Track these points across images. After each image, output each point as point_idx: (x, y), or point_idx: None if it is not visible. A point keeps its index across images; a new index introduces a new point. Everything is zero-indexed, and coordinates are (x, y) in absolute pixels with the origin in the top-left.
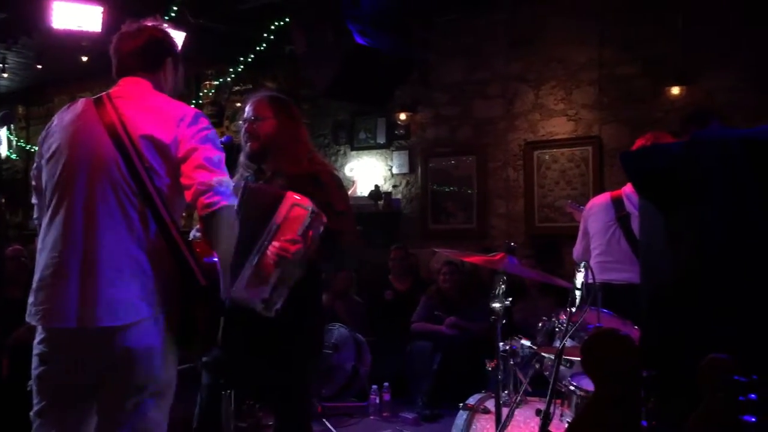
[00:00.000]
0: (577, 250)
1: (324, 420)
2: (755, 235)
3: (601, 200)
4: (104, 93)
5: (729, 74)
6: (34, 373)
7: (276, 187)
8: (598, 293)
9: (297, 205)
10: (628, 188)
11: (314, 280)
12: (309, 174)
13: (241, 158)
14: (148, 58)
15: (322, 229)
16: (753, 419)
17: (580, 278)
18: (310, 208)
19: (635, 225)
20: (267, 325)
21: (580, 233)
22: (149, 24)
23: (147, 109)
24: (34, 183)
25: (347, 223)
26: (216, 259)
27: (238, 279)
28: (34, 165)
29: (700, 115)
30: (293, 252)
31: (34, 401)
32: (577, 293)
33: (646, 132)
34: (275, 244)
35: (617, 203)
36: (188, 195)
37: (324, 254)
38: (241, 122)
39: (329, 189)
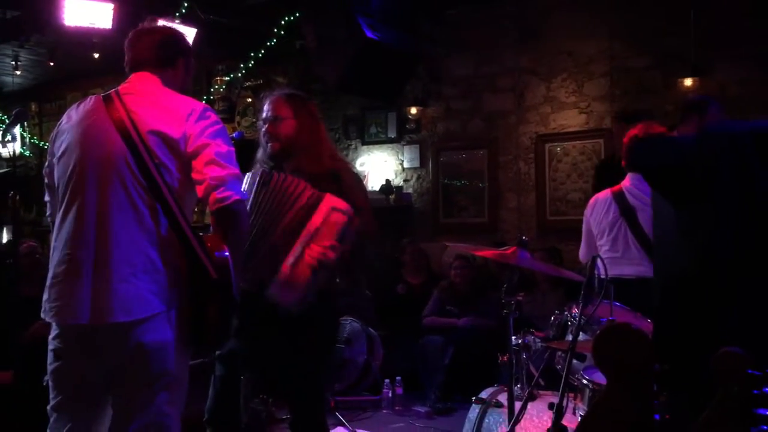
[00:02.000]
0: (582, 251)
1: (337, 413)
2: (766, 227)
3: (601, 197)
4: (113, 90)
5: (741, 66)
6: (49, 368)
7: (301, 180)
8: (610, 286)
9: (336, 210)
10: (626, 182)
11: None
12: (329, 172)
13: (259, 154)
14: (162, 54)
15: (355, 234)
16: (767, 412)
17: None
18: (348, 213)
19: (642, 218)
20: (282, 318)
21: (583, 234)
22: (166, 23)
23: (155, 105)
24: (46, 181)
25: (367, 218)
26: (227, 254)
27: (274, 280)
28: (46, 163)
29: (698, 102)
30: (333, 258)
31: (51, 396)
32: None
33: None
34: (315, 248)
35: (619, 198)
36: (200, 190)
37: (356, 256)
38: (260, 122)
39: (349, 186)
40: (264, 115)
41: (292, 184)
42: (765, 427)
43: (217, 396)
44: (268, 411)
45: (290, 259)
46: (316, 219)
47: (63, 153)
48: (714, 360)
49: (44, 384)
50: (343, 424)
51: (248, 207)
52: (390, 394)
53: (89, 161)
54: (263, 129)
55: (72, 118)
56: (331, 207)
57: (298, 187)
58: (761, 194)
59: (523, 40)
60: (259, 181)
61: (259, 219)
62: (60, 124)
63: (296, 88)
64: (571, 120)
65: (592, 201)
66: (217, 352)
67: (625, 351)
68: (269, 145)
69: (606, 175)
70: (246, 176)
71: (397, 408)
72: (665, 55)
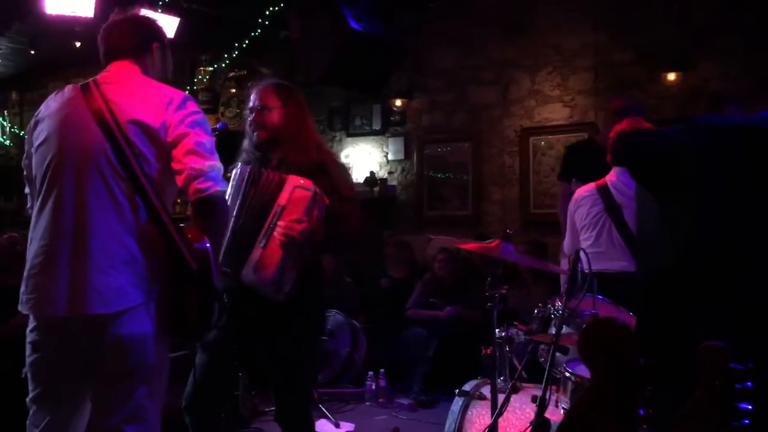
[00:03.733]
0: (566, 244)
1: (320, 406)
2: (751, 222)
3: (586, 192)
4: (91, 79)
5: (724, 61)
6: (27, 360)
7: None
8: (593, 279)
9: (299, 187)
10: (611, 176)
11: (315, 264)
12: (315, 163)
13: (245, 144)
14: (134, 41)
15: (324, 210)
16: (749, 407)
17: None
18: (312, 189)
19: (627, 214)
20: (269, 309)
21: (567, 227)
22: (135, 11)
23: (134, 94)
24: (25, 173)
25: (353, 209)
26: (207, 245)
27: (246, 263)
28: (25, 155)
29: (714, 99)
30: (299, 231)
31: (30, 388)
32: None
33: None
34: (281, 224)
35: (604, 193)
36: (180, 180)
37: (331, 237)
38: (247, 111)
39: (335, 176)
40: (251, 104)
41: (264, 178)
42: (747, 421)
43: (197, 384)
44: (252, 403)
45: (260, 240)
46: (282, 199)
47: (41, 143)
48: (697, 354)
49: (23, 376)
50: (326, 417)
51: (236, 206)
52: (373, 387)
53: (67, 152)
54: (250, 118)
55: (50, 107)
56: (295, 185)
57: (270, 177)
58: (746, 188)
59: (509, 33)
60: (248, 179)
61: (249, 216)
62: (38, 114)
63: (281, 79)
64: (555, 113)
65: (576, 195)
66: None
67: (609, 345)
68: (255, 134)
69: (575, 160)
70: (233, 172)
71: (380, 400)
72: (649, 50)
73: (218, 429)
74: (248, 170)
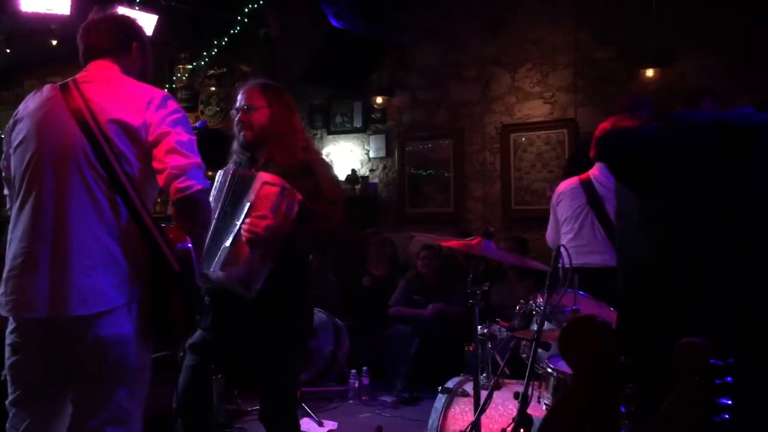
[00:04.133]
0: (549, 236)
1: (303, 404)
2: (729, 218)
3: (569, 185)
4: (70, 78)
5: (702, 57)
6: (7, 362)
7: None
8: (574, 276)
9: (267, 183)
10: (595, 170)
11: (300, 263)
12: (301, 163)
13: (234, 146)
14: (114, 40)
15: (297, 206)
16: (729, 402)
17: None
18: (279, 185)
19: (609, 207)
20: (255, 309)
21: (551, 219)
22: (115, 11)
23: (114, 93)
24: (3, 174)
25: (336, 211)
26: (189, 245)
27: (215, 260)
28: (3, 156)
29: (691, 95)
30: (263, 227)
31: (9, 391)
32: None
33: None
34: (247, 221)
35: (587, 187)
36: (161, 179)
37: (303, 232)
38: (234, 111)
39: (320, 177)
40: (237, 104)
41: (243, 177)
42: (727, 416)
43: (188, 386)
44: (235, 403)
45: (228, 237)
46: (250, 196)
47: (19, 143)
48: (676, 350)
49: (2, 379)
50: (309, 415)
51: (218, 206)
52: (356, 384)
53: (46, 152)
54: (236, 118)
55: (28, 107)
56: (263, 182)
57: (245, 175)
58: (723, 185)
59: (490, 29)
60: (231, 180)
61: (224, 217)
62: (16, 114)
63: (260, 77)
64: (535, 110)
65: (558, 189)
66: (188, 342)
67: (590, 343)
68: (242, 134)
69: (579, 165)
70: (218, 174)
71: (363, 398)
72: (628, 46)
73: (210, 430)
74: (230, 170)
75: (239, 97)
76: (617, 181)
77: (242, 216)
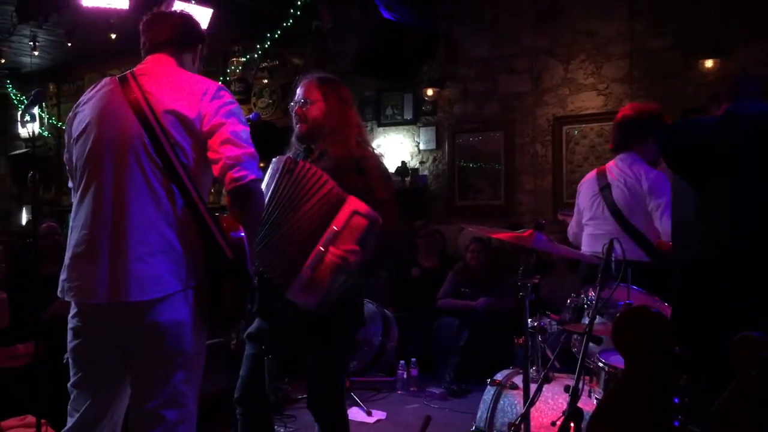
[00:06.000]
0: (571, 227)
1: (352, 394)
2: None
3: (588, 177)
4: (129, 71)
5: (763, 46)
6: (69, 346)
7: (325, 173)
8: (627, 269)
9: (358, 214)
10: (611, 162)
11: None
12: (355, 158)
13: (293, 138)
14: (180, 37)
15: (378, 233)
16: None
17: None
18: (370, 217)
19: (615, 194)
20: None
21: (575, 214)
22: (183, 6)
23: (170, 85)
24: (68, 166)
25: (387, 212)
26: (242, 234)
27: (293, 283)
28: (66, 148)
29: (731, 84)
30: (353, 262)
31: (71, 373)
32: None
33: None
34: (335, 252)
35: (600, 176)
36: (216, 169)
37: (378, 258)
38: (291, 104)
39: (371, 176)
40: (295, 97)
41: (315, 176)
42: None
43: (248, 375)
44: (285, 390)
45: (310, 262)
46: (338, 221)
47: (80, 134)
48: (733, 344)
49: (65, 362)
50: (358, 405)
51: (269, 192)
52: (405, 375)
53: (106, 142)
54: (293, 111)
55: (88, 99)
56: (353, 210)
57: (321, 179)
58: None
59: (541, 20)
60: (283, 168)
61: (278, 206)
62: (76, 107)
63: (318, 71)
64: (589, 102)
65: (582, 181)
66: (247, 332)
67: (644, 334)
68: (297, 126)
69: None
70: (272, 161)
71: (411, 389)
72: (685, 36)
73: (268, 420)
74: (284, 159)
75: (297, 91)
76: (675, 173)
77: (326, 242)
